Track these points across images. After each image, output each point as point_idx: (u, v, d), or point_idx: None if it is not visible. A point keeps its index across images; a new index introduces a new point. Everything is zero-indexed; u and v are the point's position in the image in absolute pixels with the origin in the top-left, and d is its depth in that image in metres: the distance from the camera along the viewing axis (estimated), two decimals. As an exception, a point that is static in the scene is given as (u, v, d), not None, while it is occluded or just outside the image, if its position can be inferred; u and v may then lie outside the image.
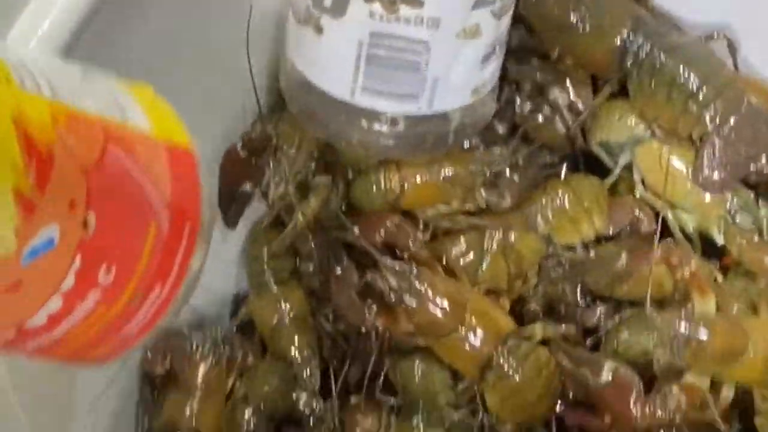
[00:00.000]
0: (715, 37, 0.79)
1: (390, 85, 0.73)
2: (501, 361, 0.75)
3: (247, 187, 0.84)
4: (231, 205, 0.84)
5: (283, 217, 0.84)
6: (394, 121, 0.75)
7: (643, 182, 0.81)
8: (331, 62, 0.73)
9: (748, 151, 0.76)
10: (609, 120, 0.81)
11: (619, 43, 0.78)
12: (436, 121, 0.75)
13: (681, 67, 0.76)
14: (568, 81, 0.81)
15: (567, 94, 0.81)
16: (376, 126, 0.75)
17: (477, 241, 0.79)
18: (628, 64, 0.78)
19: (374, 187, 0.81)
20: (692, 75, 0.76)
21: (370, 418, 0.80)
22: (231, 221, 0.85)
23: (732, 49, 0.79)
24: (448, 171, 0.80)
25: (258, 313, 0.84)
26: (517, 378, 0.75)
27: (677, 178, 0.78)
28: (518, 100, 0.81)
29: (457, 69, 0.73)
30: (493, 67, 0.76)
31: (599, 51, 0.78)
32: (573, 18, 0.78)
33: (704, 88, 0.76)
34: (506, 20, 0.74)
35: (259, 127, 0.83)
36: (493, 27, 0.73)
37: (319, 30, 0.73)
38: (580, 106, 0.80)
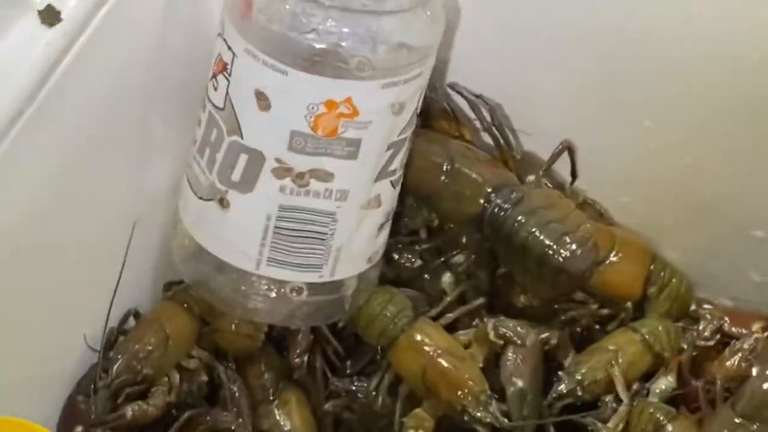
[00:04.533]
0: (558, 149, 0.82)
1: (296, 255, 0.75)
2: None
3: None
4: None
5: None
6: (298, 290, 0.76)
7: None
8: (236, 235, 0.75)
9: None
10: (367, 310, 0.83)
11: (478, 209, 0.80)
12: (334, 289, 0.78)
13: (534, 234, 0.78)
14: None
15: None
16: (279, 295, 0.76)
17: None
18: (487, 230, 0.80)
19: None
20: (545, 240, 0.78)
21: None
22: None
23: (571, 154, 0.82)
24: None
25: None
26: None
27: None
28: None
29: (359, 238, 0.76)
30: (385, 235, 0.79)
31: (461, 216, 0.81)
32: (435, 186, 0.81)
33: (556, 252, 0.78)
34: (398, 189, 0.78)
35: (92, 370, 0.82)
36: (391, 196, 0.77)
37: (224, 205, 0.75)
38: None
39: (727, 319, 0.81)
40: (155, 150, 0.81)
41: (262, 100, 0.71)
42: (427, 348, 0.80)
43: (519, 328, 0.80)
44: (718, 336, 0.80)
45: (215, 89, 0.73)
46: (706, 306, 0.82)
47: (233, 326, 0.83)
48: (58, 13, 0.69)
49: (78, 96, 0.72)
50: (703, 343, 0.80)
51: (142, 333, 0.81)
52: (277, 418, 0.83)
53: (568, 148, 0.82)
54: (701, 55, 0.72)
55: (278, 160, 0.72)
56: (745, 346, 0.78)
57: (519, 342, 0.80)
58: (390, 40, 0.71)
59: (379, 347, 0.82)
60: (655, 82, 0.74)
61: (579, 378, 0.79)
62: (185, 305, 0.83)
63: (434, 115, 0.83)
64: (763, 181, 0.76)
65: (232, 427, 0.81)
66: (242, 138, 0.72)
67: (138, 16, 0.75)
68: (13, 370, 0.75)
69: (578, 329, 0.83)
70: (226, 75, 0.72)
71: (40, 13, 0.69)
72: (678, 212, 0.81)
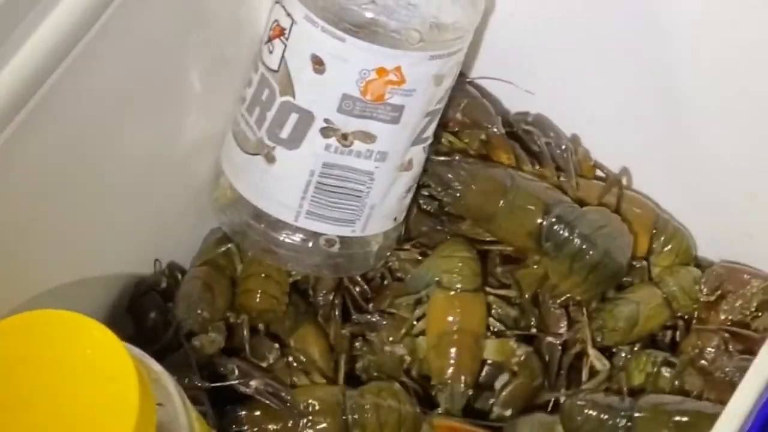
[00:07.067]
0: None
1: (333, 210, 0.81)
2: None
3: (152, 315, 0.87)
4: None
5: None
6: (331, 242, 0.83)
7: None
8: (279, 188, 0.81)
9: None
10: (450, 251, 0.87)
11: (535, 227, 0.85)
12: (363, 244, 0.84)
13: (599, 257, 0.84)
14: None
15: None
16: (313, 246, 0.82)
17: None
18: (546, 245, 0.85)
19: None
20: (613, 258, 0.85)
21: None
22: None
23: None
24: None
25: None
26: None
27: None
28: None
29: (390, 198, 0.83)
30: (410, 198, 0.86)
31: (519, 236, 0.86)
32: (491, 208, 0.86)
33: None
34: (426, 155, 0.84)
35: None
36: (421, 161, 0.84)
37: (271, 160, 0.80)
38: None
39: (726, 276, 0.87)
40: (196, 104, 0.86)
41: (318, 64, 0.77)
42: (465, 319, 0.84)
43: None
44: (719, 292, 0.86)
45: (270, 52, 0.79)
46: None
47: (260, 291, 0.87)
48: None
49: (121, 40, 0.76)
50: (704, 298, 0.86)
51: (192, 286, 0.86)
52: (295, 351, 0.87)
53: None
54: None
55: (327, 121, 0.78)
56: (740, 301, 0.85)
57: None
58: (439, 15, 0.77)
59: (433, 282, 0.86)
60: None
61: (600, 323, 0.85)
62: (218, 266, 0.88)
63: (494, 147, 0.89)
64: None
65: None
66: (294, 98, 0.78)
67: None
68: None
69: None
70: (283, 39, 0.78)
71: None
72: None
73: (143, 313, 0.87)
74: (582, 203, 0.88)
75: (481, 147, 0.89)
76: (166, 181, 0.87)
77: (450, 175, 0.86)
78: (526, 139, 0.90)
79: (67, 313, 0.60)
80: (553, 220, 0.85)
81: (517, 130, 0.91)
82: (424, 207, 0.89)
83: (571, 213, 0.85)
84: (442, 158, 0.87)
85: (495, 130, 0.89)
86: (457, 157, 0.88)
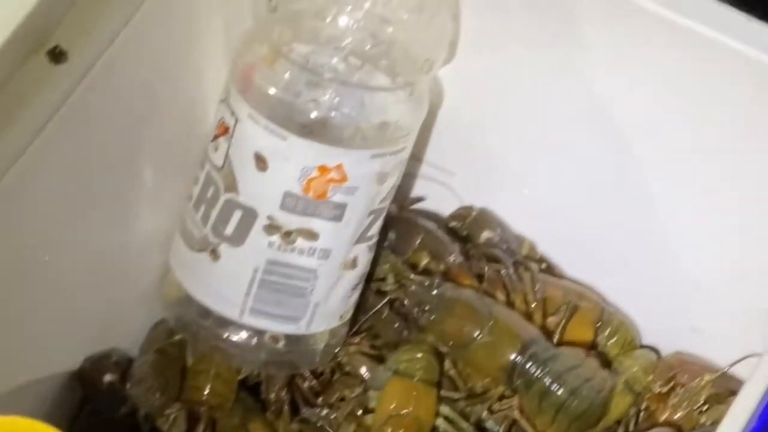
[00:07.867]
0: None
1: (277, 307, 0.81)
2: None
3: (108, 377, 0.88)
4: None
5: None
6: (276, 340, 0.83)
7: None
8: (224, 285, 0.81)
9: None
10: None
11: (508, 362, 0.85)
12: (308, 342, 0.84)
13: (566, 396, 0.83)
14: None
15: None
16: (258, 343, 0.83)
17: None
18: (517, 382, 0.85)
19: None
20: (584, 402, 0.83)
21: None
22: None
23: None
24: None
25: None
26: None
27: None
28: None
29: (335, 296, 0.83)
30: (357, 296, 0.86)
31: (490, 368, 0.86)
32: (467, 338, 0.86)
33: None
34: (372, 254, 0.85)
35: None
36: (367, 260, 0.84)
37: (215, 256, 0.81)
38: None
39: (679, 367, 0.86)
40: (147, 201, 0.87)
41: (261, 161, 0.78)
42: (416, 407, 0.84)
43: None
44: (672, 384, 0.85)
45: (215, 150, 0.80)
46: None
47: (208, 388, 0.87)
48: (66, 53, 0.73)
49: (75, 139, 0.77)
50: (657, 389, 0.85)
51: (146, 371, 0.87)
52: None
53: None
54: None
55: (270, 218, 0.79)
56: (688, 394, 0.84)
57: None
58: (380, 114, 0.78)
59: (392, 371, 0.86)
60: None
61: None
62: (168, 354, 0.88)
63: (455, 276, 0.90)
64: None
65: None
66: (238, 195, 0.79)
67: (135, 72, 0.80)
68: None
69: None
70: (228, 138, 0.79)
71: (49, 51, 0.73)
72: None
73: (98, 375, 0.87)
74: (546, 330, 0.88)
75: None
76: (116, 276, 0.87)
77: (429, 298, 0.87)
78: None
79: (25, 421, 0.60)
80: (527, 358, 0.84)
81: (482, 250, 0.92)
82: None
83: (545, 352, 0.85)
84: (422, 278, 0.88)
85: (452, 259, 0.90)
86: (437, 280, 0.88)
